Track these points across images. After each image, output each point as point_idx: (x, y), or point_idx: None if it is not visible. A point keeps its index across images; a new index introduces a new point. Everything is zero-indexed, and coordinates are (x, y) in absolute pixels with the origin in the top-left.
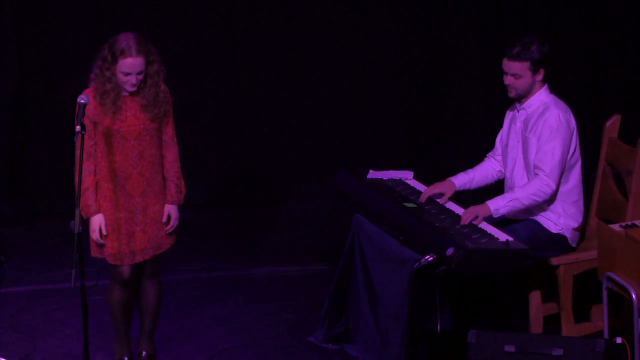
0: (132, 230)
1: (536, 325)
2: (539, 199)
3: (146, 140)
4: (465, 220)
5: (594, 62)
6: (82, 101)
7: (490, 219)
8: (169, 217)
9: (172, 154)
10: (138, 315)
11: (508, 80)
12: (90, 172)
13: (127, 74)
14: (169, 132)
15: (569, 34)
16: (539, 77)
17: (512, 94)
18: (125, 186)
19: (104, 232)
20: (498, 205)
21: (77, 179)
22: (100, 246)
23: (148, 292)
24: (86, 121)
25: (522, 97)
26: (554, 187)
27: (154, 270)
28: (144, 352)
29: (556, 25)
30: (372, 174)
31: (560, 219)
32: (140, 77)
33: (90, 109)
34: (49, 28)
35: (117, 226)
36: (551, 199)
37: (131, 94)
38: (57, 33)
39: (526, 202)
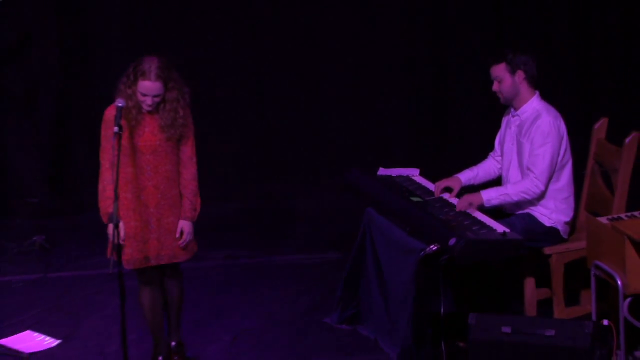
0: (146, 238)
1: (530, 309)
2: (528, 197)
3: (161, 156)
4: (459, 207)
5: (584, 69)
6: (120, 104)
7: (491, 212)
8: (182, 232)
9: (189, 173)
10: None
11: (494, 86)
12: (112, 181)
13: (144, 95)
14: (187, 152)
15: (562, 43)
16: (519, 78)
17: (501, 99)
18: (141, 197)
19: (122, 238)
20: (490, 196)
21: (115, 175)
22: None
23: (171, 290)
24: (110, 132)
25: (510, 102)
26: (542, 187)
27: (175, 271)
28: (172, 342)
29: (549, 35)
30: (382, 171)
31: (553, 214)
32: (157, 99)
33: (113, 121)
34: (88, 38)
35: (133, 234)
36: (543, 196)
37: (151, 112)
38: (96, 43)
39: (515, 198)
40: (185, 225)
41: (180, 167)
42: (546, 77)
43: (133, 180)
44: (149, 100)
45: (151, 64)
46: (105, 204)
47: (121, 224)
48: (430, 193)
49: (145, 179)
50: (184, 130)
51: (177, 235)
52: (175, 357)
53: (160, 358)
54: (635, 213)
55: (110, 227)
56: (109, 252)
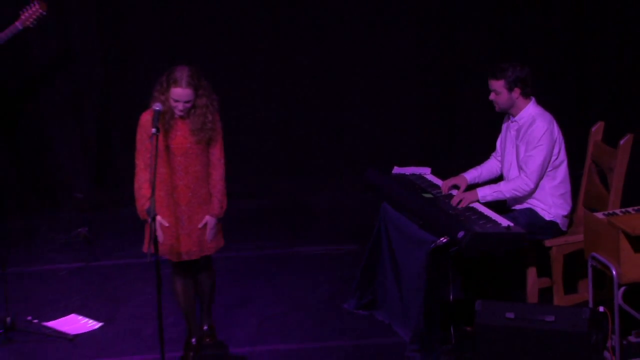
0: (178, 234)
1: (532, 296)
2: (518, 194)
3: (192, 157)
4: (454, 202)
5: (582, 77)
6: (157, 108)
7: (495, 208)
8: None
9: (217, 174)
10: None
11: (491, 96)
12: (146, 180)
13: (176, 101)
14: (216, 154)
15: (561, 53)
16: (515, 94)
17: (496, 108)
18: (173, 195)
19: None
20: (485, 193)
21: (151, 174)
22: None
23: (203, 281)
24: (145, 136)
25: (505, 111)
26: (531, 185)
27: (206, 263)
28: (205, 326)
29: (550, 45)
30: (396, 170)
31: (552, 209)
32: (188, 105)
33: (148, 126)
34: (127, 50)
35: (166, 229)
36: (541, 194)
37: (182, 117)
38: (134, 55)
39: (508, 195)
40: (210, 221)
41: (210, 168)
42: (547, 84)
43: (166, 180)
44: (180, 106)
45: (182, 72)
46: (142, 202)
47: (159, 218)
48: (441, 190)
49: (177, 179)
50: (213, 134)
51: (200, 226)
52: (207, 340)
53: (193, 340)
54: (629, 209)
55: (149, 226)
56: (145, 246)
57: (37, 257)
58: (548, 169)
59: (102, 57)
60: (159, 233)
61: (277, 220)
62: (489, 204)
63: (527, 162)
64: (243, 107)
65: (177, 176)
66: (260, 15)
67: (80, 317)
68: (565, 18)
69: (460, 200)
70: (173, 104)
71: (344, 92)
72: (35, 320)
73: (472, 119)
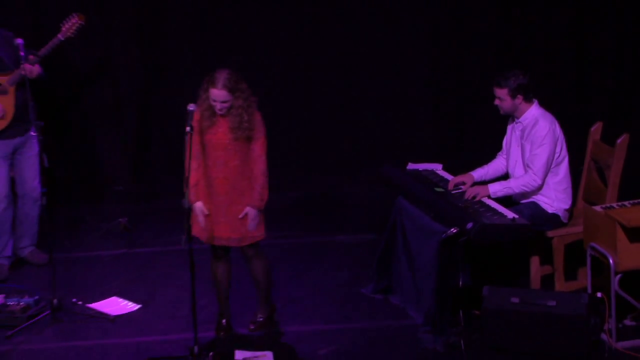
0: (217, 221)
1: (535, 283)
2: (527, 189)
3: (231, 152)
4: (467, 195)
5: (582, 81)
6: (191, 108)
7: (502, 201)
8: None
9: (258, 169)
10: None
11: (496, 102)
12: (194, 169)
13: (214, 101)
14: (257, 151)
15: (563, 59)
16: (518, 100)
17: (501, 112)
18: (214, 185)
19: (207, 212)
20: (496, 189)
21: (186, 168)
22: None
23: (254, 269)
24: (193, 131)
25: (509, 115)
26: (539, 181)
27: (253, 253)
28: (259, 316)
29: (552, 51)
30: (411, 166)
31: (554, 203)
32: (225, 105)
33: (196, 120)
34: (164, 56)
35: (207, 216)
36: (544, 188)
37: (223, 115)
38: (170, 61)
39: (517, 190)
40: (250, 211)
41: (251, 163)
42: (550, 87)
43: (207, 171)
44: (218, 105)
45: (220, 75)
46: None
47: (200, 204)
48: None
49: (218, 171)
50: (251, 133)
51: (241, 216)
52: (251, 326)
53: (224, 321)
54: (626, 203)
55: (195, 208)
56: (192, 229)
57: (82, 244)
58: (551, 166)
59: (141, 63)
60: (200, 218)
61: (299, 211)
62: (495, 198)
63: (533, 160)
64: (276, 108)
65: (218, 169)
66: (290, 21)
67: (121, 300)
68: (566, 26)
69: (475, 195)
70: (212, 103)
71: (363, 94)
72: (80, 302)
73: (481, 119)
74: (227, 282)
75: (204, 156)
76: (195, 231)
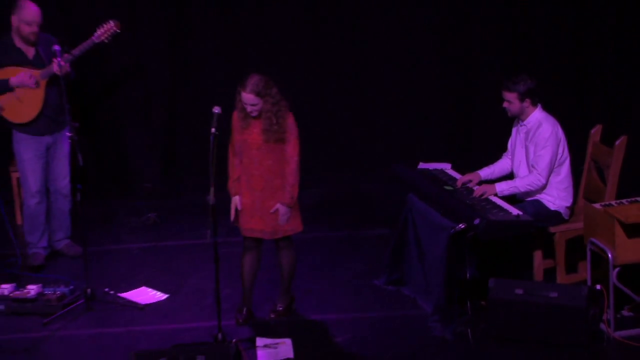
0: (253, 214)
1: (538, 275)
2: (532, 188)
3: (264, 152)
4: (476, 193)
5: (583, 86)
6: (216, 111)
7: (507, 199)
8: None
9: (289, 168)
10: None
11: (505, 104)
12: (236, 165)
13: (245, 103)
14: (289, 152)
15: (565, 65)
16: (526, 104)
17: (509, 114)
18: (251, 181)
19: (239, 208)
20: (502, 188)
21: (211, 165)
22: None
23: (282, 260)
24: (233, 130)
25: (517, 117)
26: (543, 180)
27: (284, 245)
28: (279, 306)
29: (556, 57)
30: (421, 165)
31: (556, 201)
32: (255, 107)
33: (235, 120)
34: (192, 60)
35: (244, 208)
36: (547, 187)
37: (255, 117)
38: (198, 64)
39: (522, 189)
40: (280, 208)
41: (284, 163)
42: (553, 92)
43: (245, 169)
44: (248, 108)
45: (250, 80)
46: (230, 182)
47: (237, 198)
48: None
49: (253, 169)
50: (282, 135)
51: (272, 211)
52: (272, 315)
53: (244, 309)
54: (623, 201)
55: (232, 200)
56: (232, 216)
57: (113, 237)
58: (554, 166)
59: (169, 67)
60: (232, 211)
61: (316, 208)
62: (502, 196)
63: (537, 161)
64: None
65: (254, 166)
66: (306, 32)
67: (150, 290)
68: (568, 35)
69: (483, 193)
70: (244, 105)
71: (378, 98)
72: (112, 292)
73: (488, 121)
74: (254, 273)
75: (243, 156)
76: (234, 220)
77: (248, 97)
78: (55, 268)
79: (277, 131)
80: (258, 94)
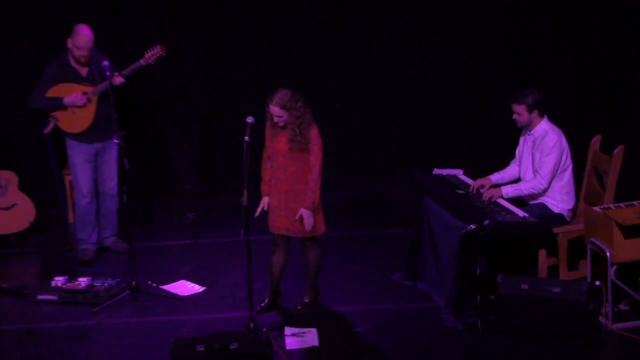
0: (279, 214)
1: (542, 272)
2: (535, 192)
3: (289, 159)
4: (485, 197)
5: (584, 100)
6: (249, 121)
7: (515, 202)
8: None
9: (311, 176)
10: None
11: (514, 116)
12: (266, 169)
13: (271, 114)
14: (311, 161)
15: (568, 80)
16: (534, 115)
17: (518, 125)
18: (277, 184)
19: (266, 209)
20: (508, 190)
21: (244, 170)
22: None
23: (309, 256)
24: (266, 137)
25: (525, 128)
26: (545, 184)
27: (309, 244)
28: (305, 298)
29: (558, 69)
30: (436, 171)
31: (559, 204)
32: (280, 119)
33: (267, 128)
34: (227, 76)
35: (272, 208)
36: (551, 192)
37: (283, 127)
38: (232, 80)
39: (526, 192)
40: (303, 212)
41: (307, 170)
42: (558, 105)
43: (273, 173)
44: (275, 119)
45: (277, 93)
46: (262, 184)
47: (266, 198)
48: (471, 188)
49: (280, 173)
50: (306, 145)
51: (297, 218)
52: (299, 307)
53: (266, 299)
54: (621, 204)
55: (262, 200)
56: (257, 212)
57: (156, 235)
58: (557, 172)
59: (206, 82)
60: (258, 210)
61: (339, 209)
62: (510, 199)
63: (541, 166)
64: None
65: (280, 171)
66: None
67: (188, 283)
68: (571, 53)
69: (491, 197)
70: (271, 116)
71: (395, 108)
72: (154, 284)
73: (497, 131)
74: (281, 267)
75: (272, 161)
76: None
77: (274, 109)
78: (103, 263)
79: (300, 141)
80: (283, 107)
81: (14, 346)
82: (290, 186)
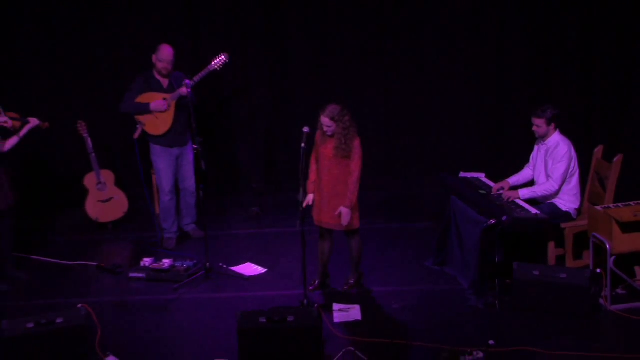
0: (322, 209)
1: (551, 261)
2: (548, 194)
3: (333, 164)
4: (504, 198)
5: (589, 114)
6: (305, 131)
7: (529, 202)
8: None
9: (351, 179)
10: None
11: (534, 128)
12: (313, 170)
13: (322, 124)
14: (352, 167)
15: (575, 95)
16: (551, 127)
17: (536, 135)
18: (321, 184)
19: (310, 203)
20: (524, 192)
21: (300, 172)
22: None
23: (351, 247)
24: (315, 147)
25: (541, 137)
26: (557, 188)
27: (351, 235)
28: (350, 280)
29: (565, 87)
30: (462, 174)
31: (567, 204)
32: (329, 128)
33: (318, 136)
34: (287, 81)
35: (316, 204)
36: (560, 194)
37: (330, 136)
38: (291, 84)
39: (539, 194)
40: (342, 209)
41: (348, 174)
42: (566, 119)
43: (318, 174)
44: (324, 128)
45: (329, 107)
46: (308, 183)
47: (311, 196)
48: (491, 188)
49: (324, 175)
50: (349, 153)
51: (336, 214)
52: (345, 287)
53: (316, 281)
54: (619, 204)
55: (308, 197)
56: (304, 204)
57: (226, 225)
58: (567, 177)
59: (270, 91)
60: (304, 203)
61: (378, 206)
62: (525, 200)
63: (553, 172)
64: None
65: (324, 173)
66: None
67: (253, 265)
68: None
69: (510, 197)
70: (321, 125)
71: (426, 117)
72: (225, 266)
73: (515, 138)
74: (327, 255)
75: (318, 164)
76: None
77: (324, 120)
78: (183, 247)
79: (344, 150)
80: (332, 119)
81: (110, 315)
82: (332, 187)
